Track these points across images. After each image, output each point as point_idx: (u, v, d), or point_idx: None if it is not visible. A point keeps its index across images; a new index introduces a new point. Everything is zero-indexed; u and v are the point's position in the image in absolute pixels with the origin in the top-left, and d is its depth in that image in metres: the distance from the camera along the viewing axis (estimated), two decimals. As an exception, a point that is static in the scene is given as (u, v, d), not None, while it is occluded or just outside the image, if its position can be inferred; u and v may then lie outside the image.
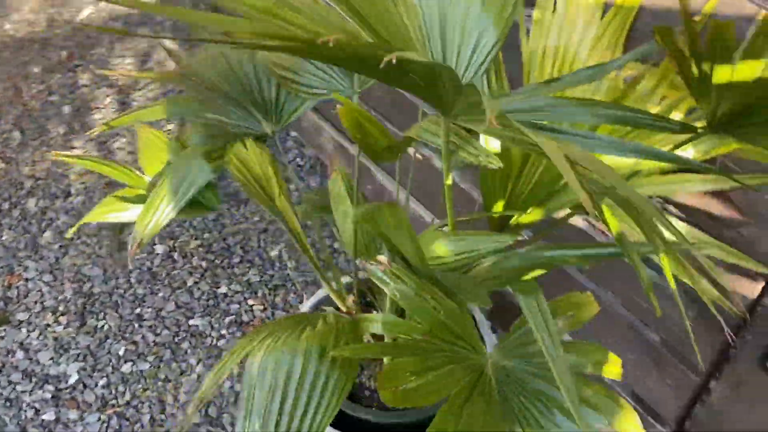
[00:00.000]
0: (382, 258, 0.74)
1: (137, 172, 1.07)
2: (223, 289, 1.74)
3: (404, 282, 0.74)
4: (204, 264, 1.80)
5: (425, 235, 0.87)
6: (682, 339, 1.10)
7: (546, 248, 0.79)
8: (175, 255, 1.82)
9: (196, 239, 1.86)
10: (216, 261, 1.81)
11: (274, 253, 1.82)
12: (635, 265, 0.63)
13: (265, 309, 1.70)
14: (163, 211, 0.96)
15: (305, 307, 1.28)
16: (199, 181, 0.96)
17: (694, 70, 0.63)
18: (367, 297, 1.19)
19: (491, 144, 0.90)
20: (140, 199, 1.02)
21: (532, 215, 0.95)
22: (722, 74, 0.61)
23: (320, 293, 1.31)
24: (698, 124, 0.74)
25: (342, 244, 1.12)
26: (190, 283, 1.76)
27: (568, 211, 0.98)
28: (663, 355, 1.14)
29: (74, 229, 1.06)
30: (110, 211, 1.01)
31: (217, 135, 1.05)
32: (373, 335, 1.09)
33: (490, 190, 0.96)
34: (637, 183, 0.90)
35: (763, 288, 0.95)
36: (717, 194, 0.92)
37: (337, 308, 1.18)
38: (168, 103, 1.09)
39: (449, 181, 0.84)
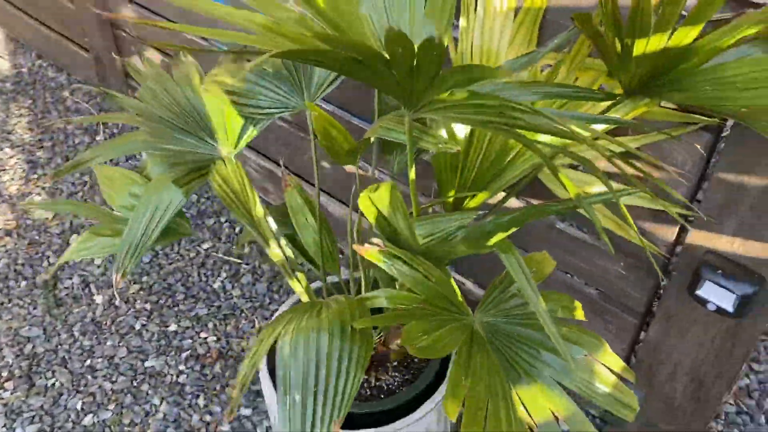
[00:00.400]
0: (377, 240, 0.83)
1: (104, 208, 1.10)
2: (173, 327, 1.75)
3: (399, 259, 0.83)
4: (148, 306, 1.80)
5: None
6: (617, 290, 1.25)
7: (508, 213, 0.91)
8: (117, 302, 1.81)
9: (135, 283, 1.86)
10: (160, 301, 1.81)
11: (217, 285, 1.85)
12: (591, 215, 0.75)
13: (218, 339, 1.73)
14: (142, 239, 1.01)
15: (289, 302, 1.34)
16: (173, 207, 1.02)
17: (617, 45, 0.78)
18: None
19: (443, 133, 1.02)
20: (118, 232, 1.06)
21: (481, 196, 1.07)
22: (640, 46, 0.76)
23: (286, 306, 1.37)
24: (616, 92, 0.89)
25: (297, 254, 1.19)
26: (137, 326, 1.76)
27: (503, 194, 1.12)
28: (602, 306, 1.29)
29: (52, 271, 1.07)
30: (87, 248, 1.04)
31: (177, 163, 1.11)
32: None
33: (444, 179, 1.08)
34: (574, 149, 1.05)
35: (680, 229, 1.12)
36: (630, 155, 1.08)
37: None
38: (124, 140, 1.13)
39: (413, 174, 0.94)
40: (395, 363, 1.27)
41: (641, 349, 1.28)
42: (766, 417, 1.53)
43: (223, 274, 1.88)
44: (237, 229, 2.00)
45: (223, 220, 2.03)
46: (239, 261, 1.91)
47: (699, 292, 1.08)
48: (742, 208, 1.00)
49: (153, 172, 1.12)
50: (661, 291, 1.20)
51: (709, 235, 1.05)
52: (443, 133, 1.03)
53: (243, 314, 1.78)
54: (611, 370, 0.89)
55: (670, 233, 1.13)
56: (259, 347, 0.76)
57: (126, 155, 2.18)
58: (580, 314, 0.95)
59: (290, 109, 1.13)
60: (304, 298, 1.18)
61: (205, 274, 1.88)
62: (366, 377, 1.27)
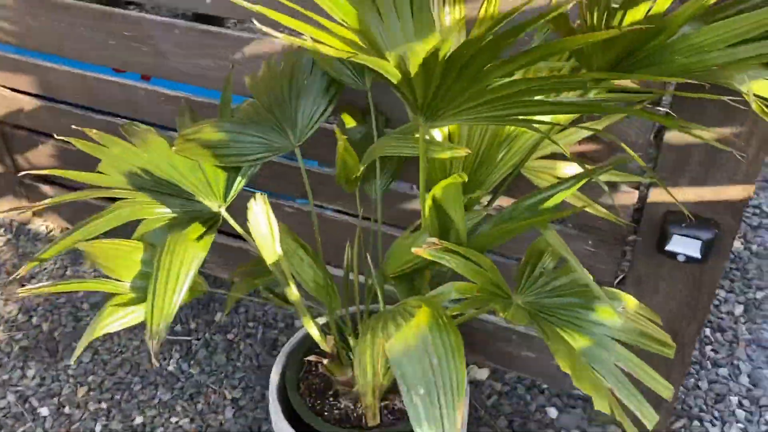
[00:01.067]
0: (432, 239, 0.89)
1: (112, 281, 1.05)
2: (138, 420, 1.64)
3: (456, 253, 0.89)
4: (104, 405, 1.68)
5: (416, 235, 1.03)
6: (588, 267, 1.38)
7: (522, 200, 1.01)
8: (66, 409, 1.67)
9: (82, 386, 1.72)
10: (115, 397, 1.70)
11: (172, 367, 1.76)
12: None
13: (192, 420, 1.64)
14: (170, 299, 0.98)
15: (278, 365, 1.33)
16: (196, 263, 1.00)
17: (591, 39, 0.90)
18: (345, 333, 1.28)
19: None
20: (137, 300, 1.01)
21: (476, 196, 1.16)
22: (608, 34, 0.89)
23: (281, 358, 1.36)
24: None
25: (290, 295, 1.20)
26: (98, 428, 1.63)
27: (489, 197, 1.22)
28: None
29: (81, 348, 0.98)
30: (112, 321, 0.98)
31: (178, 223, 1.09)
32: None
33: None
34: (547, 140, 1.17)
35: (638, 197, 1.28)
36: (591, 139, 1.23)
37: (319, 350, 1.26)
38: (110, 217, 1.09)
39: (423, 183, 1.01)
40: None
41: (617, 316, 1.41)
42: (711, 362, 1.73)
43: (176, 355, 1.80)
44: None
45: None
46: (188, 338, 1.84)
47: (668, 247, 1.23)
48: (691, 165, 1.17)
49: (153, 237, 1.09)
50: (629, 259, 1.34)
51: (667, 196, 1.21)
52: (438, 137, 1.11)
53: (210, 389, 1.71)
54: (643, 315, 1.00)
55: (631, 201, 1.28)
56: (369, 353, 0.78)
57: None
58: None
59: (276, 152, 1.16)
60: (315, 334, 1.19)
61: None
62: (384, 402, 1.29)
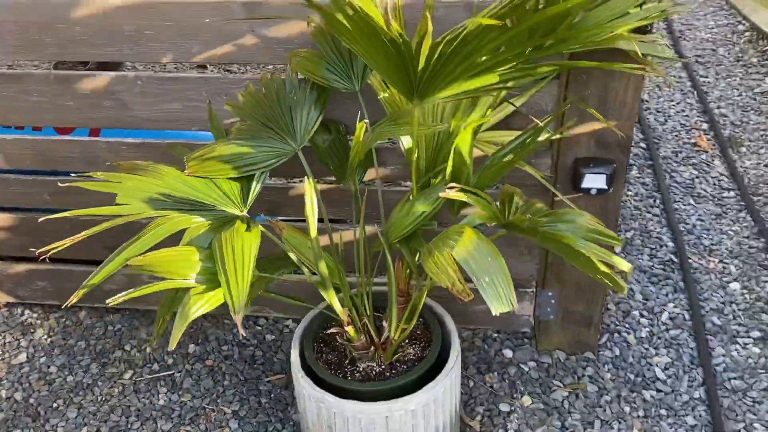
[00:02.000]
0: (454, 184, 1.17)
1: (178, 280, 1.21)
2: (149, 450, 1.73)
3: (474, 193, 1.18)
4: (109, 447, 1.74)
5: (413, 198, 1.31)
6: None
7: (496, 152, 1.32)
8: (72, 461, 1.71)
9: (80, 437, 1.77)
10: (118, 438, 1.76)
11: (162, 401, 1.86)
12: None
13: (200, 438, 1.76)
14: (243, 278, 1.17)
15: (295, 348, 1.52)
16: (255, 246, 1.20)
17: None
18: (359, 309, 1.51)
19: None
20: (209, 289, 1.18)
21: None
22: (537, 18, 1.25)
23: (301, 327, 1.55)
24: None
25: (321, 268, 1.42)
26: (112, 468, 1.69)
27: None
28: (513, 237, 1.75)
29: (177, 336, 1.11)
30: (199, 307, 1.14)
31: (218, 226, 1.28)
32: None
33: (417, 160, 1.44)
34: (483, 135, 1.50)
35: (553, 153, 1.64)
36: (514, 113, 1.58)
37: (337, 322, 1.48)
38: (156, 232, 1.26)
39: (415, 158, 1.29)
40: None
41: (549, 256, 1.77)
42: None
43: (163, 389, 1.89)
44: (148, 351, 2.01)
45: (129, 348, 2.02)
46: (170, 372, 1.93)
47: (583, 185, 1.61)
48: (586, 119, 1.56)
49: (199, 242, 1.27)
50: (555, 201, 1.71)
51: (575, 148, 1.59)
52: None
53: (207, 409, 1.83)
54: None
55: (548, 157, 1.65)
56: (445, 255, 1.03)
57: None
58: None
59: (284, 157, 1.38)
60: (337, 306, 1.42)
61: (144, 397, 1.87)
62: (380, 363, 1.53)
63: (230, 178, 1.38)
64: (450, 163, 1.21)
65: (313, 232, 1.29)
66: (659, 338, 1.97)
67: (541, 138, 1.34)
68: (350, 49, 1.29)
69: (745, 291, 2.11)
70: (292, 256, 1.40)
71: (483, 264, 1.04)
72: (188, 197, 1.36)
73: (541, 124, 1.33)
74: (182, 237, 1.33)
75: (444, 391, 1.48)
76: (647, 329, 2.01)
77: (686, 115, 3.09)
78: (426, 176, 1.45)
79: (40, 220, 1.43)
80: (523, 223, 1.16)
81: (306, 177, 1.28)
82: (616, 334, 1.99)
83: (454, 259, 1.05)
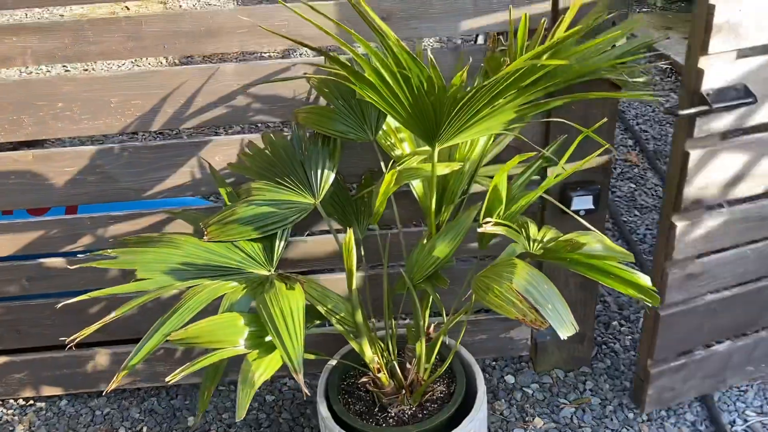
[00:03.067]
0: (490, 219, 1.22)
1: (228, 348, 1.17)
2: None
3: (507, 226, 1.23)
4: None
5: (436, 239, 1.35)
6: (514, 247, 1.79)
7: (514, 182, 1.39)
8: None
9: None
10: None
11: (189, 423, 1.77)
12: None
13: None
14: (296, 338, 1.16)
15: (321, 402, 1.50)
16: (302, 304, 1.19)
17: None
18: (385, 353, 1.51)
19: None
20: (264, 353, 1.16)
21: (449, 208, 1.51)
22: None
23: (323, 380, 1.54)
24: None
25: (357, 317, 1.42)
26: None
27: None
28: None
29: (247, 403, 1.07)
30: (262, 372, 1.12)
31: (254, 288, 1.26)
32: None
33: (424, 199, 1.48)
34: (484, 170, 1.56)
35: (541, 177, 1.73)
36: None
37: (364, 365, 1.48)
38: (194, 297, 1.23)
39: (433, 202, 1.33)
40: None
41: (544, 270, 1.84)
42: (587, 304, 2.25)
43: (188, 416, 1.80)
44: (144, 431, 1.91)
45: (125, 431, 1.91)
46: (172, 450, 1.85)
47: (573, 207, 1.70)
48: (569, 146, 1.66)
49: (239, 307, 1.25)
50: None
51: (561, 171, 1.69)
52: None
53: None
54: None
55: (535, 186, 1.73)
56: (509, 293, 1.07)
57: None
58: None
59: (304, 212, 1.38)
60: (369, 354, 1.42)
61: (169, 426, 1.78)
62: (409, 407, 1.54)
63: (252, 239, 1.36)
64: (487, 200, 1.26)
65: (353, 284, 1.30)
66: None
67: (555, 170, 1.42)
68: (369, 102, 1.33)
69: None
70: (321, 309, 1.40)
71: (543, 292, 1.09)
72: (211, 263, 1.34)
73: (560, 163, 1.41)
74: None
75: (482, 416, 1.51)
76: (629, 337, 2.11)
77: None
78: (437, 217, 1.49)
79: (59, 306, 1.36)
80: (561, 251, 1.21)
81: (348, 228, 1.29)
82: (603, 346, 2.08)
83: (517, 291, 1.09)
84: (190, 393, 2.00)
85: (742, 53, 1.43)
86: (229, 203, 1.44)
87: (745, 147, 1.53)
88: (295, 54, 3.98)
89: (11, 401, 1.99)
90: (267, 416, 1.93)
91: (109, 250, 1.34)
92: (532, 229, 1.37)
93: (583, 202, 1.70)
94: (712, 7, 1.32)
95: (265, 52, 3.98)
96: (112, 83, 1.51)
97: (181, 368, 1.13)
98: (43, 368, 1.88)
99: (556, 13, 1.53)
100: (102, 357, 1.88)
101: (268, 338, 1.24)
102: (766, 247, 1.71)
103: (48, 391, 1.92)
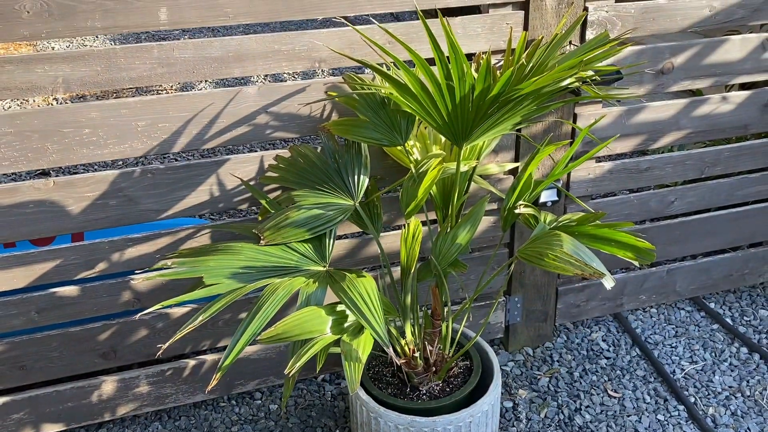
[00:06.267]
0: (523, 202, 1.45)
1: (323, 336, 1.29)
2: None
3: (530, 206, 1.47)
4: None
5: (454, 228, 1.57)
6: (494, 237, 2.04)
7: (521, 174, 1.63)
8: None
9: None
10: None
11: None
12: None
13: None
14: (378, 315, 1.32)
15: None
16: (376, 287, 1.35)
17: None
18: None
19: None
20: (353, 336, 1.29)
21: (457, 204, 1.73)
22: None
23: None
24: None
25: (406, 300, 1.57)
26: None
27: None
28: (489, 254, 2.06)
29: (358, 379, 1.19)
30: (359, 349, 1.25)
31: (324, 280, 1.40)
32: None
33: (438, 195, 1.69)
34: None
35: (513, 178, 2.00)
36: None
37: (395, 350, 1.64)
38: (272, 296, 1.34)
39: (457, 199, 1.55)
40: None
41: (514, 265, 2.11)
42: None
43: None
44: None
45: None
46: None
47: (540, 200, 1.98)
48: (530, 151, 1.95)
49: (315, 300, 1.37)
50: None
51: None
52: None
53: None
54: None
55: (509, 182, 2.00)
56: (564, 255, 1.30)
57: None
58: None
59: (347, 213, 1.53)
60: (409, 336, 1.60)
61: None
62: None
63: (304, 240, 1.50)
64: (519, 187, 1.49)
65: (413, 268, 1.47)
66: (588, 319, 2.40)
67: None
68: (402, 111, 1.53)
69: (625, 270, 2.66)
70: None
71: (586, 254, 1.34)
72: (270, 265, 1.46)
73: (539, 147, 1.67)
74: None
75: (500, 382, 1.72)
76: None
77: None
78: (444, 211, 1.71)
79: (137, 317, 1.39)
80: (583, 224, 1.47)
81: (421, 225, 1.46)
82: (557, 324, 2.38)
83: (569, 254, 1.33)
84: (194, 413, 2.04)
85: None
86: (273, 211, 1.56)
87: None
88: (314, 75, 4.19)
89: (4, 446, 1.91)
90: (275, 423, 2.01)
91: (167, 262, 1.42)
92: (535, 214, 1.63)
93: (549, 195, 1.99)
94: None
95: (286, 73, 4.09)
96: (140, 107, 1.58)
97: (293, 359, 1.24)
98: (46, 404, 1.84)
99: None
100: (108, 385, 1.87)
101: (347, 324, 1.38)
102: (645, 196, 2.16)
103: (49, 428, 1.87)
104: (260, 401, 2.08)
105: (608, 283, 1.33)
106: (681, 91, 2.69)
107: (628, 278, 2.28)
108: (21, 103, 3.94)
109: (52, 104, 3.89)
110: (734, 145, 2.19)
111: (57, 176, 1.59)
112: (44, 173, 3.29)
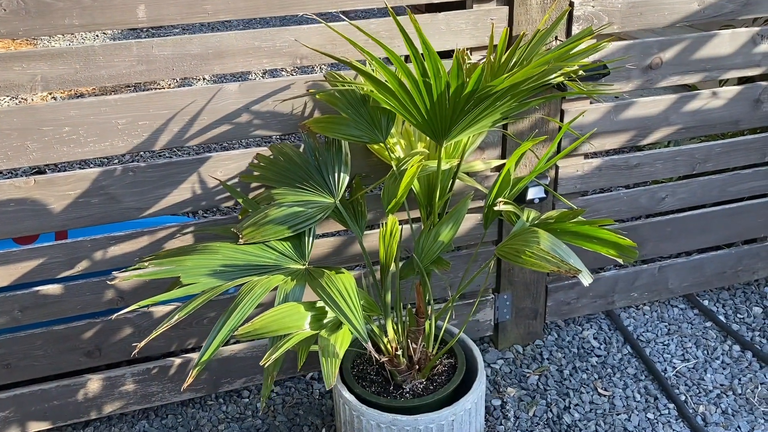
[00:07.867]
0: (501, 199, 1.43)
1: (299, 332, 1.29)
2: None
3: (510, 203, 1.46)
4: None
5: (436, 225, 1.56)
6: (479, 235, 2.03)
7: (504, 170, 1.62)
8: None
9: None
10: None
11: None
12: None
13: None
14: (357, 310, 1.31)
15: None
16: (354, 283, 1.34)
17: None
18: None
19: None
20: (331, 331, 1.28)
21: (440, 202, 1.72)
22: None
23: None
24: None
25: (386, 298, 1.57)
26: None
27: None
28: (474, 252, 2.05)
29: (334, 373, 1.18)
30: (339, 345, 1.24)
31: (303, 277, 1.39)
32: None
33: (421, 194, 1.68)
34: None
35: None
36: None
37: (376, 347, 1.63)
38: (250, 293, 1.33)
39: (438, 197, 1.54)
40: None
41: (502, 264, 2.09)
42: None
43: None
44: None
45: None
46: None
47: (528, 197, 1.97)
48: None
49: (293, 297, 1.37)
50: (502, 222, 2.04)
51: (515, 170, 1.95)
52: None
53: None
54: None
55: (493, 179, 1.98)
56: (540, 252, 1.28)
57: None
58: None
59: (327, 210, 1.52)
60: (391, 333, 1.59)
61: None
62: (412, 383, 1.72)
63: (283, 238, 1.49)
64: (498, 183, 1.48)
65: (391, 266, 1.46)
66: (580, 317, 2.39)
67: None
68: (381, 108, 1.52)
69: (619, 267, 2.64)
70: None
71: (563, 250, 1.33)
72: (249, 263, 1.45)
73: (524, 145, 1.66)
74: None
75: (484, 379, 1.71)
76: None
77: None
78: (426, 210, 1.70)
79: (114, 317, 1.38)
80: (563, 221, 1.46)
81: (391, 217, 1.45)
82: (549, 322, 2.36)
83: (546, 251, 1.31)
84: (181, 412, 2.03)
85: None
86: (251, 210, 1.56)
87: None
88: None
89: (-9, 444, 1.92)
90: (262, 422, 2.01)
91: (144, 263, 1.41)
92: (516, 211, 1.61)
93: (536, 193, 1.97)
94: None
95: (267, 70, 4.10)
96: (120, 105, 1.58)
97: (269, 351, 1.24)
98: (31, 402, 1.84)
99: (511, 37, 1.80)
100: (94, 383, 1.87)
101: (326, 320, 1.37)
102: (635, 192, 2.14)
103: (35, 426, 1.87)
104: (247, 399, 2.08)
105: (585, 280, 1.31)
106: (677, 86, 2.67)
107: (620, 275, 2.26)
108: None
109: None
110: (725, 141, 2.17)
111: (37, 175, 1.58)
112: (40, 171, 3.29)
